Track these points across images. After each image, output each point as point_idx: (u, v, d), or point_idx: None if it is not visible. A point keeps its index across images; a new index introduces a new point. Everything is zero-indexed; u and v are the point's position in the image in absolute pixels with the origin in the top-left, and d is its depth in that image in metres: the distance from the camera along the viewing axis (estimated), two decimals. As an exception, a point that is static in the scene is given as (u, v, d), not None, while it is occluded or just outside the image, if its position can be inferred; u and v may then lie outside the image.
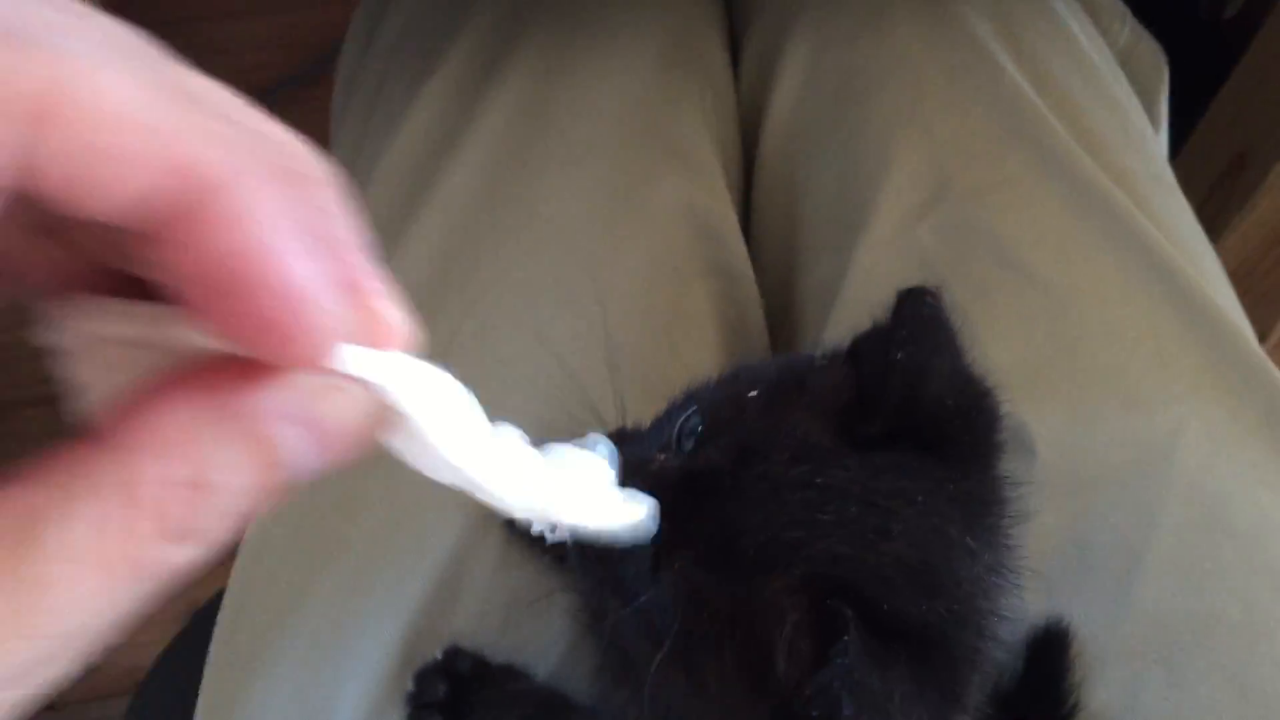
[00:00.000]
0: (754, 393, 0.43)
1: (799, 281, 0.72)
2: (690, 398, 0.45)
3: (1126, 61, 0.82)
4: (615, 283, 0.66)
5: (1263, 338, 1.16)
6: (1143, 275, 0.63)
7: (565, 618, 0.57)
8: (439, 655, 0.56)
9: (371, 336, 0.23)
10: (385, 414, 0.26)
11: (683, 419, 0.43)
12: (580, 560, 0.43)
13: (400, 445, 0.28)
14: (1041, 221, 0.66)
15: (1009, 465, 0.45)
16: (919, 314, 0.42)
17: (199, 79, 0.20)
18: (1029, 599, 0.58)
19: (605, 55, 0.77)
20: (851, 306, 0.66)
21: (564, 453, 0.34)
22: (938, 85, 0.72)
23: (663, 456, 0.42)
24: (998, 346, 0.62)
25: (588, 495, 0.34)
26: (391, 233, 0.69)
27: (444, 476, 0.29)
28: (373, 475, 0.61)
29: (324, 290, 0.21)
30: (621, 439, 0.42)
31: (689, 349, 0.65)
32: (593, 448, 0.36)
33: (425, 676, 0.55)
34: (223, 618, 0.62)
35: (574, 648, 0.57)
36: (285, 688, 0.58)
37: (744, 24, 0.85)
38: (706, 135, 0.76)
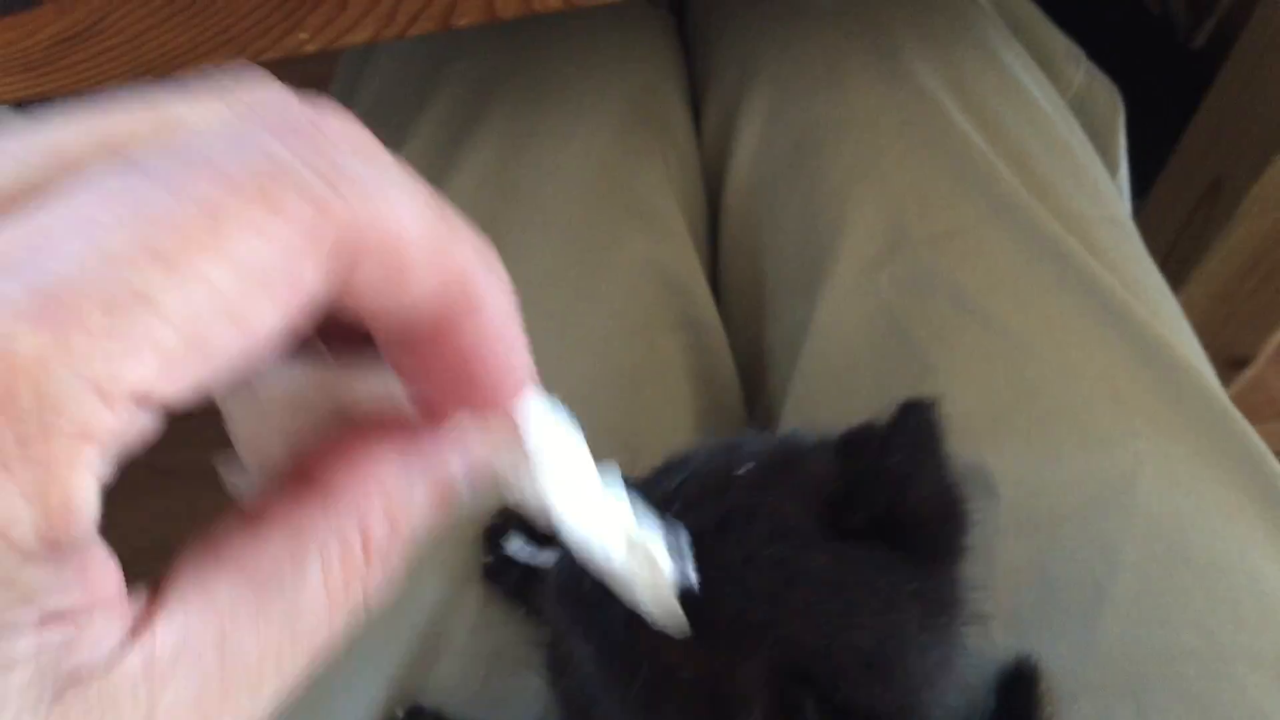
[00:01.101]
0: (743, 468, 0.43)
1: (767, 331, 0.73)
2: (678, 463, 0.46)
3: (1082, 104, 0.84)
4: (584, 339, 0.68)
5: (1246, 361, 1.17)
6: (1096, 317, 0.65)
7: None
8: (399, 716, 0.57)
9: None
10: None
11: (669, 484, 0.43)
12: (562, 602, 0.44)
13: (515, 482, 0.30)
14: (996, 267, 0.67)
15: (968, 570, 0.46)
16: (917, 424, 0.44)
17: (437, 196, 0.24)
18: (998, 636, 0.59)
19: (570, 119, 0.79)
20: (817, 355, 0.68)
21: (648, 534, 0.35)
22: (892, 138, 0.73)
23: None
24: (958, 389, 0.63)
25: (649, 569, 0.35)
26: None
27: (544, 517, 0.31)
28: None
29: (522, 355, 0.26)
30: None
31: (660, 401, 0.67)
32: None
33: None
34: None
35: (553, 706, 0.58)
36: None
37: (704, 83, 0.87)
38: (670, 192, 0.78)
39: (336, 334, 0.26)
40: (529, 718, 0.58)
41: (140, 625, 0.20)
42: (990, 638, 0.60)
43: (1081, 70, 0.88)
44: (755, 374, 0.74)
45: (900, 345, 0.66)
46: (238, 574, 0.22)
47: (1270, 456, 0.62)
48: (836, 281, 0.68)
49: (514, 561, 0.59)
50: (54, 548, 0.18)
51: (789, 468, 0.43)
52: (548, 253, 0.72)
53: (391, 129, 0.81)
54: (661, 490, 0.43)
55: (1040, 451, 0.61)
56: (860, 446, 0.43)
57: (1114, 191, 0.78)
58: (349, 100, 0.89)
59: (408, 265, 0.22)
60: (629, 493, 0.34)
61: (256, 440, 0.26)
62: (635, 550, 0.34)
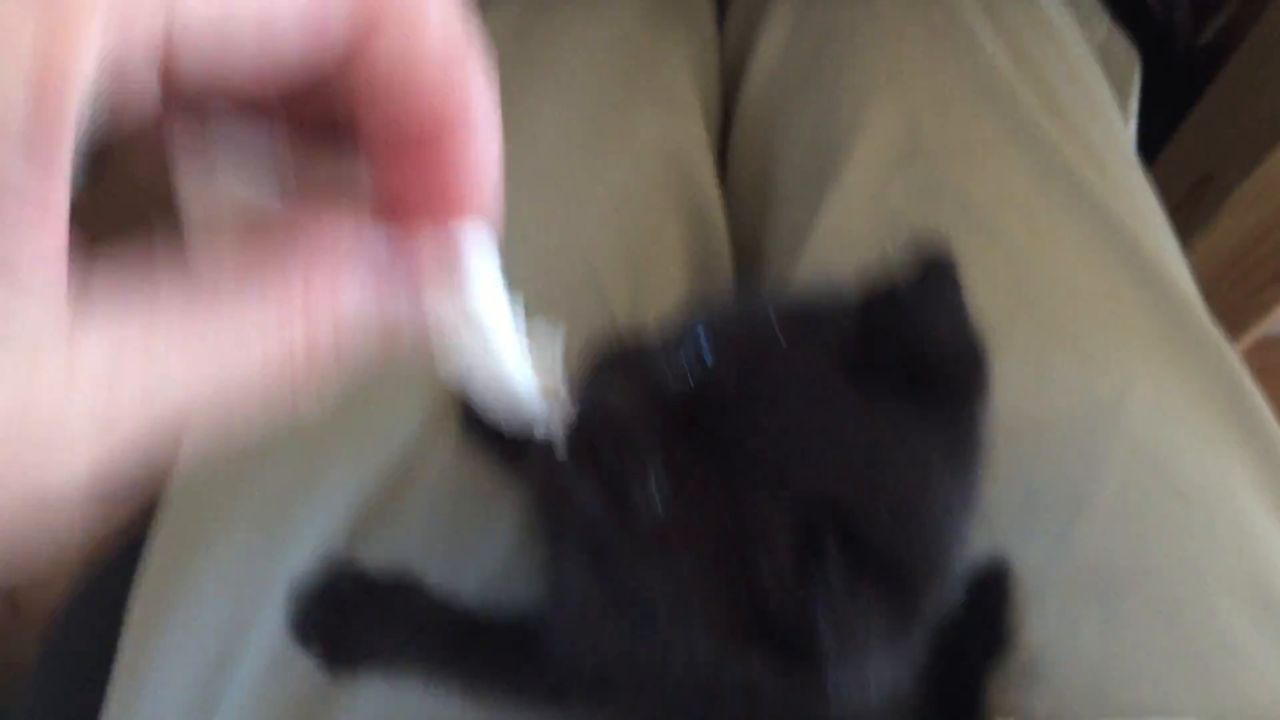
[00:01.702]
0: (767, 321, 0.44)
1: (768, 229, 0.74)
2: (701, 318, 0.46)
3: (1101, 57, 0.85)
4: (591, 213, 0.68)
5: (1218, 358, 1.19)
6: (1103, 241, 0.66)
7: (512, 516, 0.58)
8: (315, 574, 0.56)
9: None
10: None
11: (693, 341, 0.44)
12: (574, 451, 0.44)
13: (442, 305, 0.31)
14: (1008, 184, 0.68)
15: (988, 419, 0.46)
16: (937, 274, 0.44)
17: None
18: (977, 536, 0.60)
19: None
20: (818, 257, 0.68)
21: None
22: (916, 49, 0.74)
23: (671, 376, 0.43)
24: None
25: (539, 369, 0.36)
26: None
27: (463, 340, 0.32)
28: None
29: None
30: (629, 351, 0.44)
31: (656, 284, 0.67)
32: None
33: (301, 604, 0.56)
34: (172, 495, 0.63)
35: (518, 547, 0.58)
36: (232, 557, 0.59)
37: None
38: (690, 81, 0.78)
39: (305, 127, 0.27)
40: (486, 570, 0.58)
41: (77, 300, 0.20)
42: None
43: (1104, 26, 0.89)
44: (751, 269, 0.74)
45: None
46: (174, 292, 0.22)
47: (1258, 396, 0.63)
48: (846, 185, 0.69)
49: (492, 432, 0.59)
50: (39, 111, 0.18)
51: (812, 320, 0.44)
52: (563, 123, 0.72)
53: None
54: (686, 341, 0.43)
55: (1034, 363, 0.62)
56: (882, 299, 0.43)
57: (1127, 134, 0.79)
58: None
59: (422, 55, 0.22)
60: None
61: (209, 202, 0.27)
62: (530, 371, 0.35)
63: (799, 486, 0.39)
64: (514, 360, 0.34)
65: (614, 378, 0.42)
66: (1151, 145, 1.11)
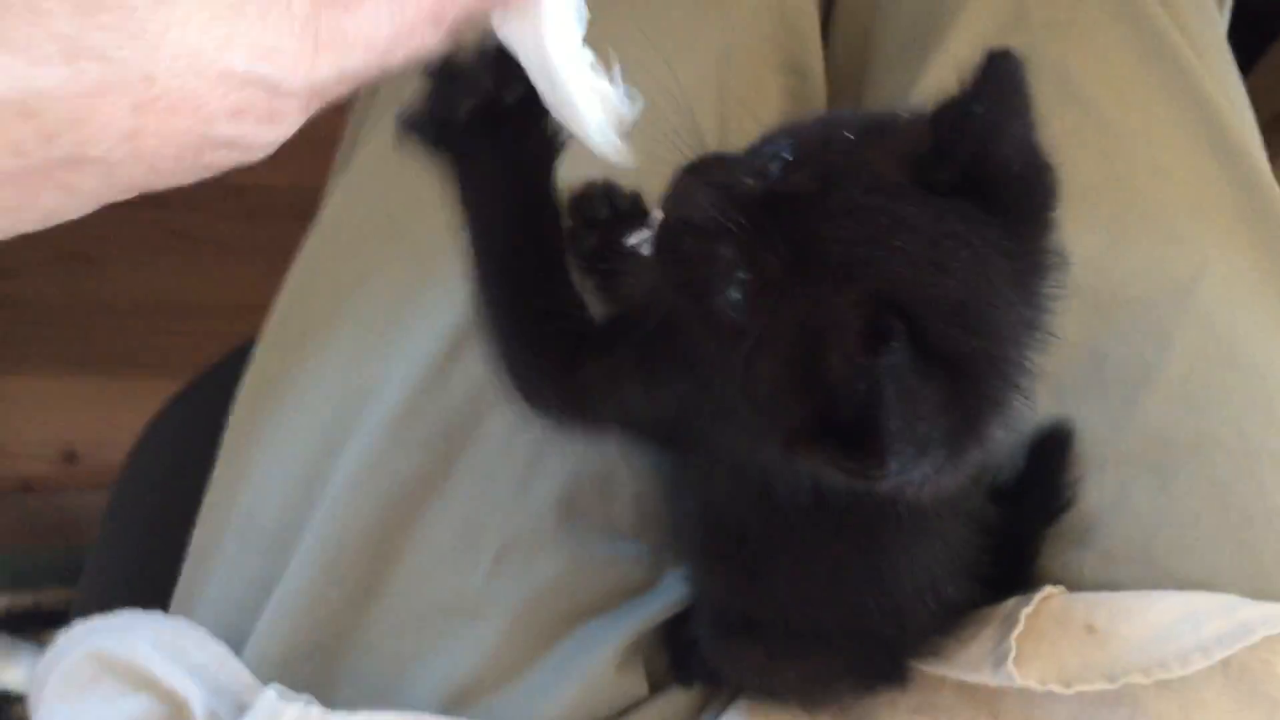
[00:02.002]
0: (843, 134, 0.45)
1: (866, 93, 0.75)
2: (783, 131, 0.47)
3: None
4: (696, 58, 0.68)
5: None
6: (1194, 124, 0.66)
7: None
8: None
9: None
10: None
11: (774, 148, 0.45)
12: (659, 249, 0.45)
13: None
14: (1109, 62, 0.69)
15: (1055, 240, 0.47)
16: (1004, 76, 0.44)
17: None
18: (1041, 400, 0.61)
19: None
20: None
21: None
22: None
23: (750, 180, 0.44)
24: None
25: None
26: None
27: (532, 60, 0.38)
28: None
29: None
30: (715, 161, 0.45)
31: (750, 130, 0.68)
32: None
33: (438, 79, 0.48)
34: (283, 295, 0.65)
35: None
36: (340, 358, 0.61)
37: None
38: None
39: None
40: None
41: None
42: (1033, 401, 0.62)
43: None
44: None
45: None
46: None
47: None
48: (950, 50, 0.69)
49: (594, 226, 0.60)
50: None
51: (885, 133, 0.45)
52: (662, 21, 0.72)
53: None
54: (767, 151, 0.44)
55: (1115, 237, 0.63)
56: (951, 110, 0.44)
57: (1223, 25, 0.80)
58: None
59: None
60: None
61: None
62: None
63: (867, 283, 0.40)
64: (582, 96, 0.39)
65: (698, 180, 0.43)
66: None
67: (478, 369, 0.59)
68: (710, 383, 0.46)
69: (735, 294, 0.42)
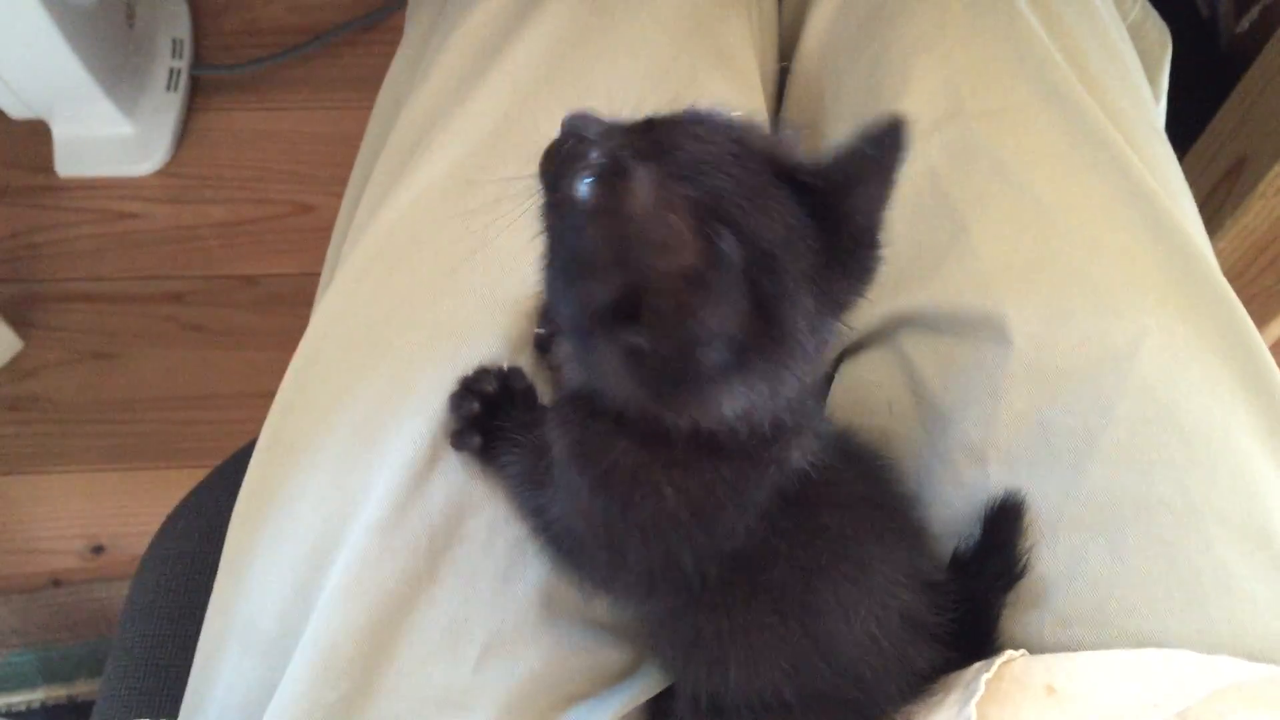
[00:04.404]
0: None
1: None
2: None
3: (1133, 35, 0.89)
4: None
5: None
6: (1125, 199, 0.70)
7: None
8: (468, 374, 0.65)
9: None
10: None
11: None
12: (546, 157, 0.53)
13: None
14: (1040, 145, 0.72)
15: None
16: (893, 140, 0.51)
17: None
18: (994, 473, 0.65)
19: None
20: None
21: None
22: (960, 17, 0.78)
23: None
24: (991, 249, 0.68)
25: None
26: (460, 92, 0.77)
27: None
28: (423, 300, 0.69)
29: None
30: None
31: None
32: None
33: (457, 397, 0.64)
34: (274, 410, 0.69)
35: None
36: (327, 468, 0.65)
37: None
38: (750, 45, 0.83)
39: None
40: None
41: None
42: (985, 473, 0.65)
43: (1138, 5, 0.93)
44: None
45: (939, 204, 0.71)
46: None
47: (1264, 349, 0.67)
48: None
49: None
50: None
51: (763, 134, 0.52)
52: (632, 81, 0.76)
53: None
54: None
55: (1055, 311, 0.66)
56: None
57: (1154, 106, 0.83)
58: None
59: None
60: None
61: None
62: None
63: (703, 191, 0.46)
64: None
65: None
66: (1189, 130, 1.14)
67: (456, 474, 0.63)
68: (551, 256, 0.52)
69: (589, 178, 0.48)
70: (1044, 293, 0.67)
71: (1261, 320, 1.19)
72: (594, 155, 0.49)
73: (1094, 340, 0.65)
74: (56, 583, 1.45)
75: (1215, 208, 1.10)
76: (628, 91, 0.75)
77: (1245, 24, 1.12)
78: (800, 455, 0.55)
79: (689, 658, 0.61)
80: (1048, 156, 0.72)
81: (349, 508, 0.64)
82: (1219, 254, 1.12)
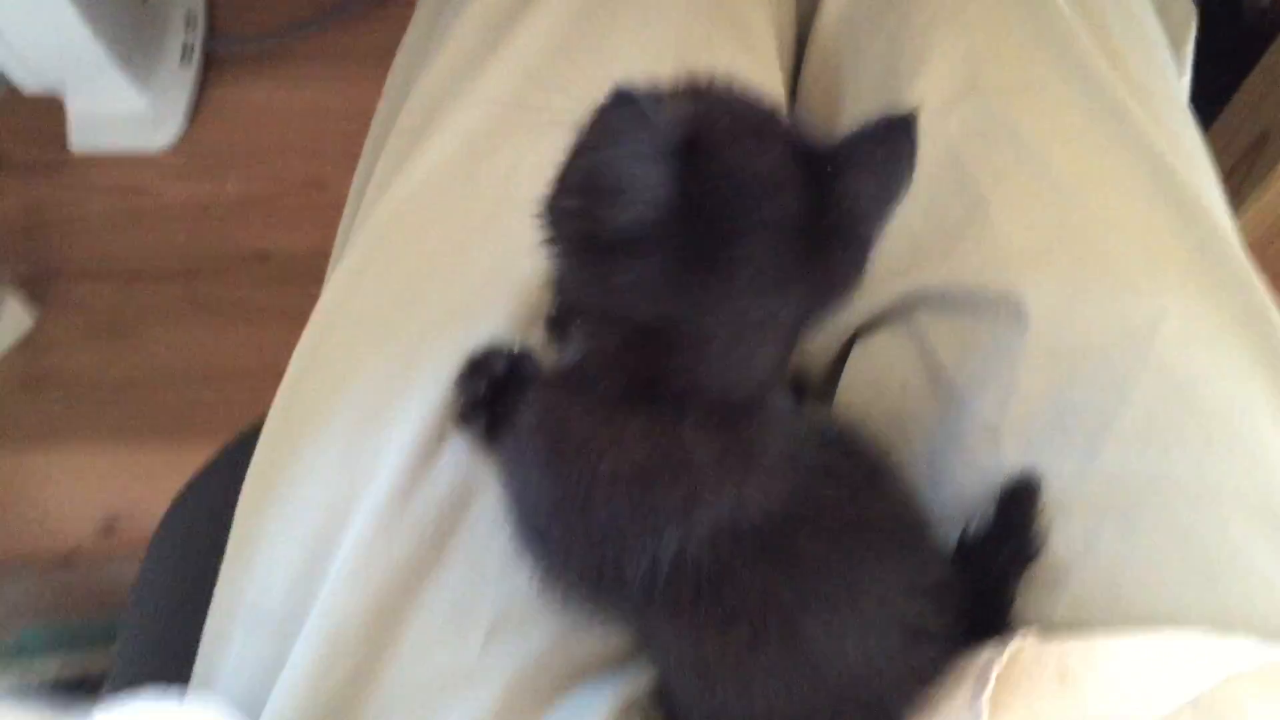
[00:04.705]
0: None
1: None
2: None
3: (1159, 11, 0.87)
4: None
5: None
6: (1145, 176, 0.68)
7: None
8: (476, 355, 0.65)
9: None
10: None
11: None
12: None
13: None
14: (1060, 121, 0.71)
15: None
16: (906, 134, 0.51)
17: None
18: (1009, 453, 0.64)
19: None
20: None
21: None
22: None
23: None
24: (1009, 227, 0.67)
25: None
26: (470, 70, 0.76)
27: None
28: (432, 279, 0.68)
29: None
30: None
31: None
32: None
33: (464, 380, 0.64)
34: (281, 391, 0.69)
35: None
36: (334, 450, 0.65)
37: None
38: (768, 17, 0.82)
39: None
40: None
41: None
42: (1000, 454, 0.64)
43: None
44: None
45: (957, 179, 0.70)
46: None
47: None
48: None
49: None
50: None
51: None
52: (646, 52, 0.75)
53: None
54: None
55: (1073, 290, 0.65)
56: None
57: (1178, 79, 0.81)
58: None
59: None
60: None
61: None
62: None
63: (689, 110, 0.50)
64: None
65: None
66: (1213, 105, 1.13)
67: (462, 455, 0.63)
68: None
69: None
70: (1062, 272, 0.66)
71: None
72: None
73: (1112, 320, 0.64)
74: (69, 559, 1.45)
75: (1237, 183, 1.09)
76: (641, 64, 0.74)
77: (1267, 0, 1.10)
78: (761, 495, 0.54)
79: (674, 677, 0.61)
80: (1068, 133, 0.70)
81: (356, 489, 0.63)
82: (1240, 230, 1.11)
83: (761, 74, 0.78)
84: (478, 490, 0.63)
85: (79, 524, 1.47)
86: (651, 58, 0.75)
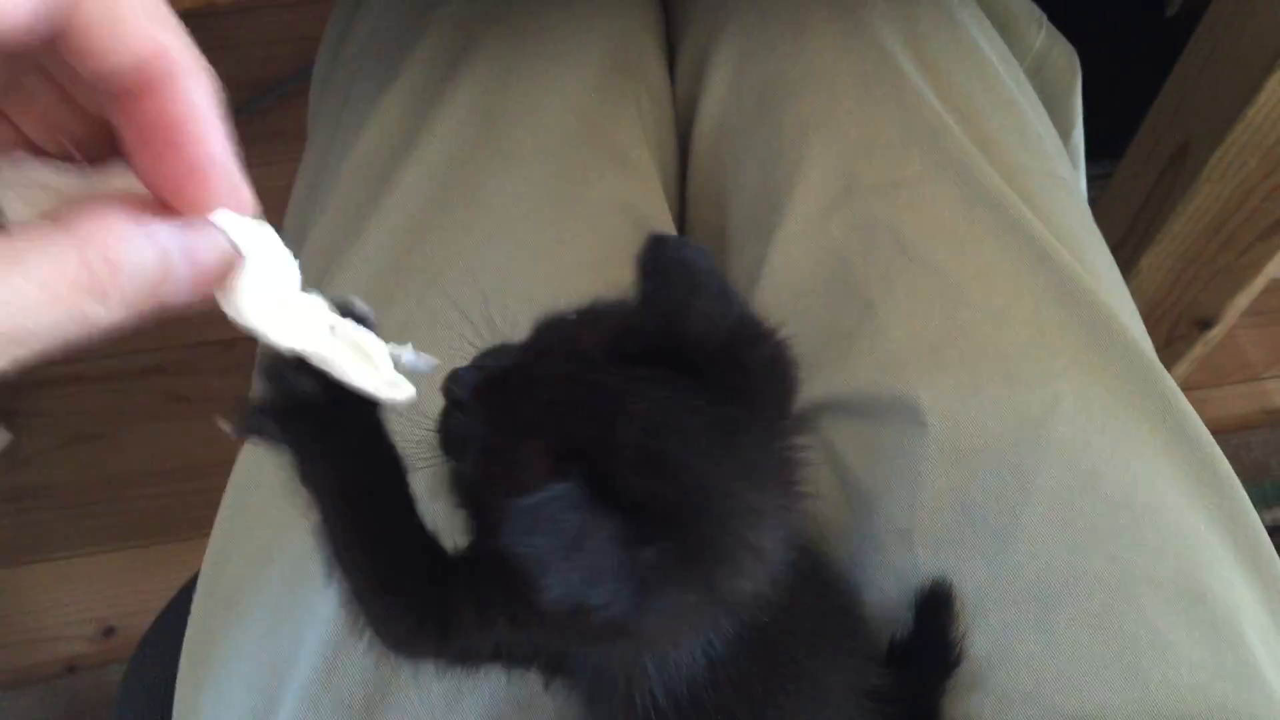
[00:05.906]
0: (568, 317, 0.52)
1: (729, 271, 0.78)
2: (542, 319, 0.54)
3: (1041, 66, 0.87)
4: (556, 271, 0.72)
5: (1211, 322, 1.21)
6: (1027, 264, 0.69)
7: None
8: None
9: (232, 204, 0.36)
10: (232, 263, 0.37)
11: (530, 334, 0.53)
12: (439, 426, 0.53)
13: (234, 299, 0.38)
14: (937, 216, 0.71)
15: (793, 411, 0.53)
16: (662, 258, 0.50)
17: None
18: (922, 555, 0.64)
19: (550, 64, 0.83)
20: (770, 291, 0.73)
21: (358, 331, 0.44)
22: (848, 92, 0.77)
23: (499, 361, 0.51)
24: (898, 330, 0.68)
25: (359, 357, 0.44)
26: (355, 224, 0.76)
27: (254, 319, 0.39)
28: None
29: (228, 163, 0.34)
30: (494, 350, 0.53)
31: None
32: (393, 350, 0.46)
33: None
34: (206, 564, 0.70)
35: None
36: (258, 631, 0.65)
37: (679, 32, 0.91)
38: (643, 137, 0.82)
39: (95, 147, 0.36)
40: None
41: None
42: (914, 557, 0.65)
43: (1042, 33, 0.91)
44: None
45: (845, 284, 0.70)
46: None
47: (1180, 396, 0.66)
48: (790, 225, 0.73)
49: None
50: None
51: (600, 315, 0.52)
52: (526, 191, 0.76)
53: (382, 67, 0.85)
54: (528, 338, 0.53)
55: (966, 387, 0.65)
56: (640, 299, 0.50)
57: (1058, 150, 0.82)
58: (344, 39, 0.93)
59: (122, 16, 0.31)
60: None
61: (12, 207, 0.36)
62: (339, 338, 0.43)
63: (547, 437, 0.46)
64: (323, 346, 0.42)
65: (470, 366, 0.52)
66: (1133, 117, 1.13)
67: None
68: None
69: (470, 454, 0.50)
70: (954, 369, 0.66)
71: (1227, 295, 1.18)
72: (467, 427, 0.50)
73: (1007, 413, 0.64)
74: (71, 669, 1.48)
75: (1164, 193, 1.09)
76: (521, 204, 0.75)
77: (1175, 7, 1.10)
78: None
79: None
80: (946, 228, 0.71)
81: (284, 666, 0.64)
82: (1174, 237, 1.12)
83: (644, 195, 0.79)
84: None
85: (77, 632, 1.49)
86: (529, 195, 0.76)
